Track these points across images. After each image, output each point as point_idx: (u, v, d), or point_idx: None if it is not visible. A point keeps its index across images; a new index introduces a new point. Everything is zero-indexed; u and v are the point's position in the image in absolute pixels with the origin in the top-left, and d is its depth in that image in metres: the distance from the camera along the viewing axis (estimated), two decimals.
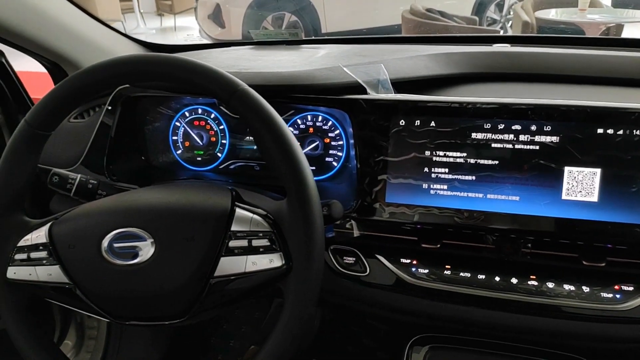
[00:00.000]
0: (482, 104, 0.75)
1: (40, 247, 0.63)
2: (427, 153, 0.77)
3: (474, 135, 0.75)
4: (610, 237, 0.73)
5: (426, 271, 0.80)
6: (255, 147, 0.98)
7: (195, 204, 0.62)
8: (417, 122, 0.77)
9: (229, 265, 0.59)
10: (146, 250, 0.60)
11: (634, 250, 0.74)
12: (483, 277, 0.78)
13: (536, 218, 0.75)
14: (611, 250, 0.75)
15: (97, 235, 0.61)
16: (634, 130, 0.70)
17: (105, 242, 0.61)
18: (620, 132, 0.70)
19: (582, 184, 0.72)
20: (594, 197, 0.72)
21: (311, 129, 0.95)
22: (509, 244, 0.78)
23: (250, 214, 0.61)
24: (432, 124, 0.77)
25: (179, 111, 1.00)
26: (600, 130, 0.71)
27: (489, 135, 0.75)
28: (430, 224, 0.80)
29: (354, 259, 0.83)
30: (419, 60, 0.93)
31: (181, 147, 1.01)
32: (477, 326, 0.79)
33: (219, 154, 1.00)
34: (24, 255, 0.62)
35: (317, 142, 0.95)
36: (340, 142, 0.94)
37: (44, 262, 0.62)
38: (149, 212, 0.62)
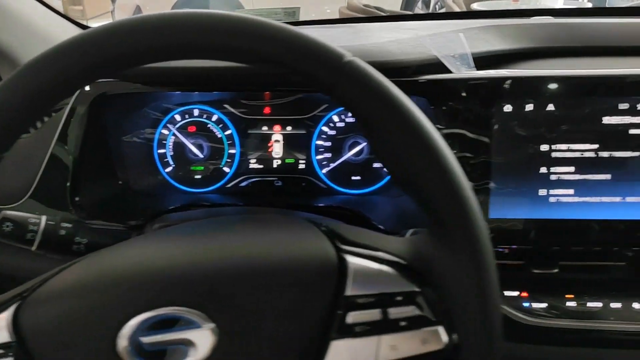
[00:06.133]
0: (617, 76, 0.56)
1: (2, 351, 0.35)
2: (544, 147, 0.57)
3: (606, 119, 0.56)
4: None
5: (544, 305, 0.60)
6: (276, 155, 0.74)
7: (273, 255, 0.37)
8: (530, 106, 0.57)
9: (348, 353, 0.35)
10: (202, 343, 0.35)
11: None
12: (619, 305, 0.59)
13: None
14: None
15: (110, 324, 0.35)
16: None
17: (125, 336, 0.35)
18: None
19: None
20: None
21: (352, 128, 0.72)
22: None
23: (376, 264, 0.37)
24: (550, 107, 0.57)
25: (168, 113, 0.73)
26: None
27: (627, 119, 0.56)
28: (548, 242, 0.60)
29: None
30: (470, 33, 0.73)
31: (172, 162, 0.74)
32: None
33: (226, 169, 0.74)
34: None
35: (362, 145, 0.72)
36: None
37: None
38: (200, 275, 0.36)
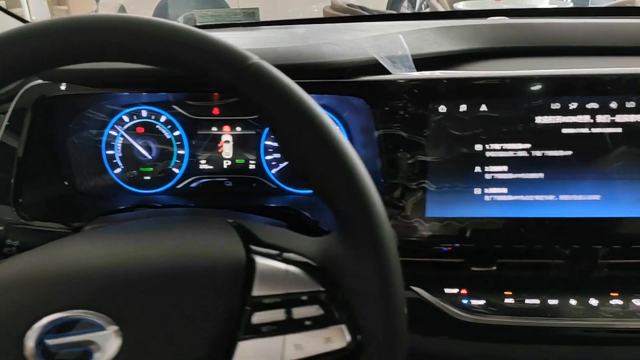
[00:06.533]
0: (549, 77, 0.57)
1: None
2: (478, 147, 0.58)
3: (538, 119, 0.57)
4: None
5: (482, 302, 0.61)
6: (226, 155, 0.74)
7: (181, 256, 0.38)
8: (463, 107, 0.58)
9: (254, 353, 0.36)
10: (107, 346, 0.35)
11: None
12: (556, 302, 0.60)
13: (622, 220, 0.58)
14: None
15: (17, 327, 0.35)
16: None
17: (31, 339, 0.35)
18: None
19: None
20: None
21: None
22: (583, 255, 0.61)
23: (283, 265, 0.37)
24: (484, 108, 0.57)
25: (115, 115, 0.73)
26: None
27: (559, 119, 0.57)
28: (485, 241, 0.61)
29: None
30: (423, 34, 0.74)
31: (121, 164, 0.74)
32: None
33: (176, 170, 0.74)
34: None
35: None
36: None
37: None
38: (105, 277, 0.37)
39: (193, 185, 0.75)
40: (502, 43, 0.72)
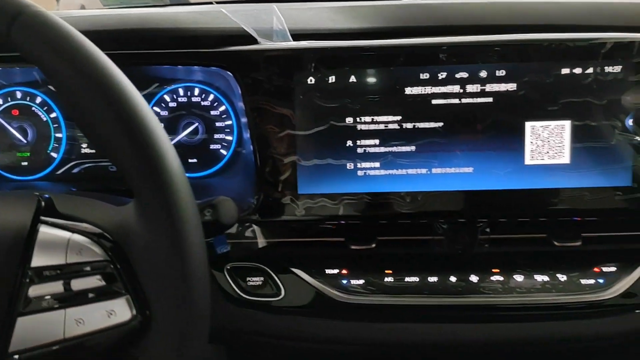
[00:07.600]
0: (415, 46, 0.55)
1: None
2: (349, 120, 0.56)
3: (408, 90, 0.55)
4: (586, 208, 0.57)
5: (361, 282, 0.59)
6: None
7: None
8: (332, 78, 0.55)
9: (34, 330, 0.32)
10: None
11: (611, 220, 0.59)
12: (435, 279, 0.59)
13: (496, 193, 0.57)
14: (585, 224, 0.59)
15: None
16: (606, 67, 0.54)
17: None
18: (590, 70, 0.54)
19: (549, 143, 0.55)
20: (565, 158, 0.56)
21: (185, 108, 0.69)
22: (462, 231, 0.59)
23: (67, 233, 0.34)
24: (352, 79, 0.55)
25: None
26: (565, 71, 0.55)
27: (428, 89, 0.55)
28: (360, 217, 0.58)
29: (262, 278, 0.59)
30: (321, 11, 0.71)
31: None
32: (437, 349, 0.59)
33: (54, 154, 0.70)
34: None
35: (197, 125, 0.69)
36: (229, 122, 0.69)
37: None
38: None
39: (75, 170, 0.71)
40: (403, 22, 0.70)
